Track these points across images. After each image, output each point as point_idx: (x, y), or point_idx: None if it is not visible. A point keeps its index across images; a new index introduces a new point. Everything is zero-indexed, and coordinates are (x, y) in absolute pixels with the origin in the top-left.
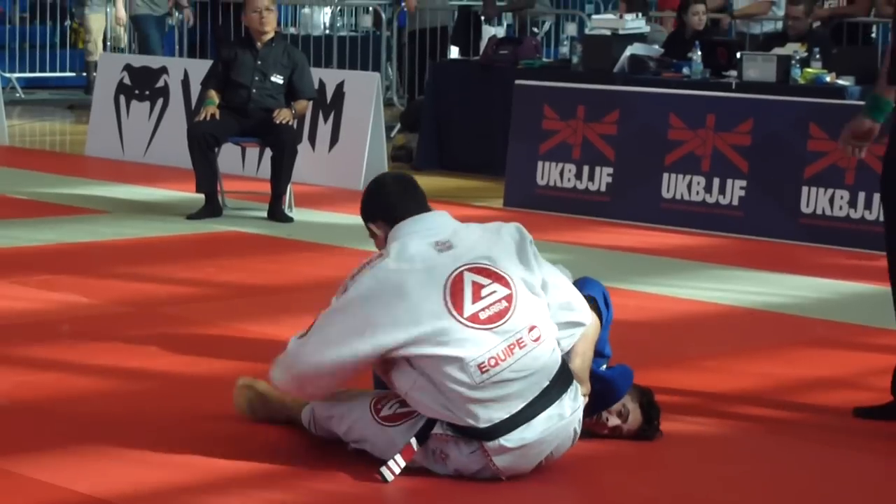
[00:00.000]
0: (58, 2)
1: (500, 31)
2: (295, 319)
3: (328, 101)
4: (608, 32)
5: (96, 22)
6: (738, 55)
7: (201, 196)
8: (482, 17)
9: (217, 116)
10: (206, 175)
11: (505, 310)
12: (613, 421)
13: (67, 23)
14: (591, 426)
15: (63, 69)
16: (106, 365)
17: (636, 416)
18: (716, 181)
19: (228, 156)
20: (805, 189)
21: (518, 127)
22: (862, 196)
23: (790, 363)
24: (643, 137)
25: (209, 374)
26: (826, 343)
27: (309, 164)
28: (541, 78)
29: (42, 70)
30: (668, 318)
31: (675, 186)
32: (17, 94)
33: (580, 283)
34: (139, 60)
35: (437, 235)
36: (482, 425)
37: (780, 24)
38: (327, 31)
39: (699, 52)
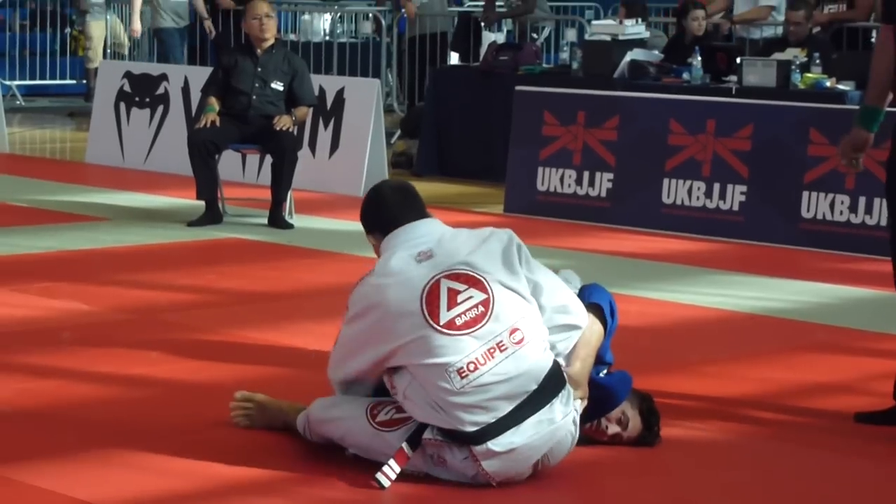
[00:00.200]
0: (58, 9)
1: (500, 37)
2: (295, 326)
3: (328, 107)
4: (608, 38)
5: (97, 29)
6: (738, 60)
7: (202, 203)
8: (482, 23)
9: (217, 123)
10: (206, 182)
11: (482, 314)
12: (613, 428)
13: (67, 30)
14: (591, 433)
15: (63, 77)
16: (106, 372)
17: (636, 423)
18: (716, 186)
19: (229, 163)
20: (805, 194)
21: (518, 133)
22: (862, 201)
23: (791, 368)
24: (643, 143)
25: (210, 380)
26: (827, 348)
27: (309, 170)
28: (541, 84)
29: (42, 77)
30: (669, 324)
31: (675, 192)
32: (18, 102)
33: (588, 290)
34: (139, 68)
35: (421, 246)
36: (469, 429)
37: (780, 30)
38: (327, 38)
39: (699, 58)
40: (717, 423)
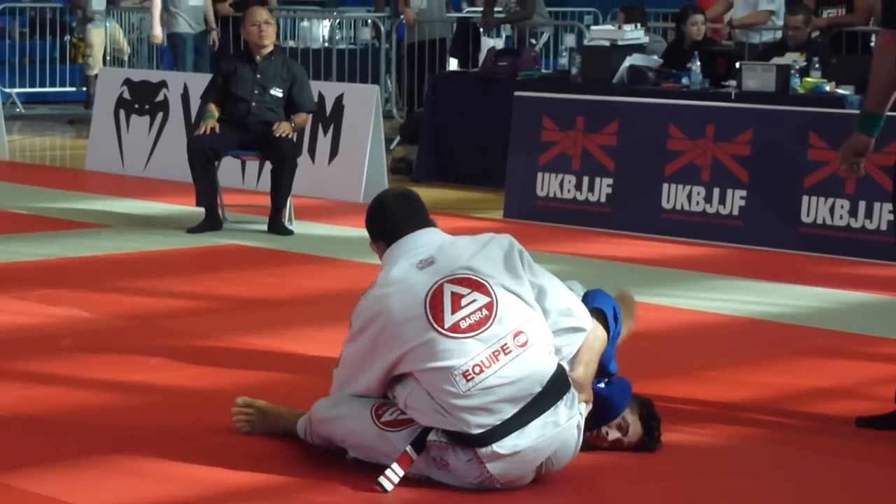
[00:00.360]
0: (57, 17)
1: (499, 43)
2: (295, 332)
3: (328, 113)
4: (607, 43)
5: (97, 36)
6: (738, 65)
7: (201, 210)
8: (481, 29)
9: (217, 130)
10: (206, 189)
11: (486, 317)
12: (613, 434)
13: (67, 38)
14: (592, 440)
15: (63, 84)
16: (106, 379)
17: (636, 429)
18: (716, 191)
19: (228, 169)
20: (805, 198)
21: (517, 138)
22: (862, 205)
23: (791, 373)
24: (643, 148)
25: (210, 387)
26: (827, 353)
27: (309, 176)
28: (540, 89)
29: (42, 85)
30: (669, 329)
31: (675, 197)
32: (18, 109)
33: (591, 296)
34: (139, 75)
35: (422, 254)
36: (474, 431)
37: (779, 34)
38: (326, 44)
39: (698, 63)
40: (718, 427)
